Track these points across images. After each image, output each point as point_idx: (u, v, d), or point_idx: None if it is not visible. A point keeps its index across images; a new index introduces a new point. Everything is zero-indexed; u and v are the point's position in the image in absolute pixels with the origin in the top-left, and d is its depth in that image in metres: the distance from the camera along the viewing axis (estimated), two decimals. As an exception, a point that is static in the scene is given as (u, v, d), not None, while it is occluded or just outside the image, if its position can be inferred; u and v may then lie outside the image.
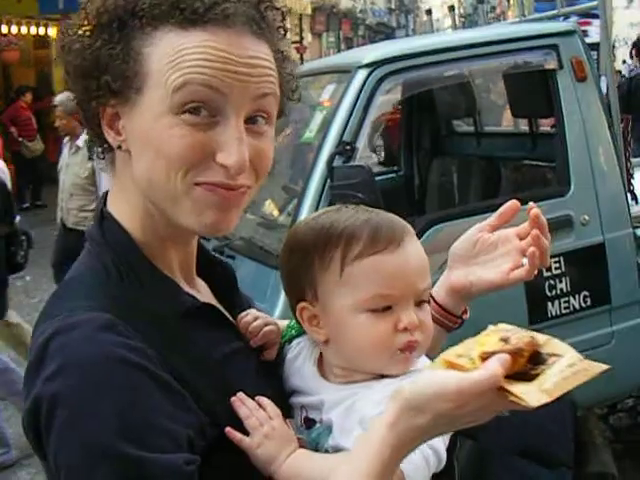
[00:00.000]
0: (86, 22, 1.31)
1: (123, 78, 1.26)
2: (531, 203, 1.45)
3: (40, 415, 1.17)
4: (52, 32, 18.41)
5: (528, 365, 1.08)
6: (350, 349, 1.42)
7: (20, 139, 15.34)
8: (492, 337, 1.13)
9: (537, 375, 1.06)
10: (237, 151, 1.25)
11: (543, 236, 1.46)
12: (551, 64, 4.55)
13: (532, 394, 1.03)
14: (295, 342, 1.55)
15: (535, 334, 1.12)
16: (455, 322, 1.63)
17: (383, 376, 1.40)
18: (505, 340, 1.10)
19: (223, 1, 1.26)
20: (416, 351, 1.39)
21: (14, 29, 17.97)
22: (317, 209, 3.98)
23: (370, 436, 1.14)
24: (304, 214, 4.01)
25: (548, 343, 1.12)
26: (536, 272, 1.50)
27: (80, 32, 1.31)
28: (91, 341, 1.18)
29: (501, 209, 1.55)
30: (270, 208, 4.66)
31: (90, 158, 7.87)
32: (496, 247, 1.54)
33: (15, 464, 6.00)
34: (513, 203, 1.53)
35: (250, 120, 1.28)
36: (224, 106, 1.25)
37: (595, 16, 6.67)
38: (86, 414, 1.13)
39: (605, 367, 1.06)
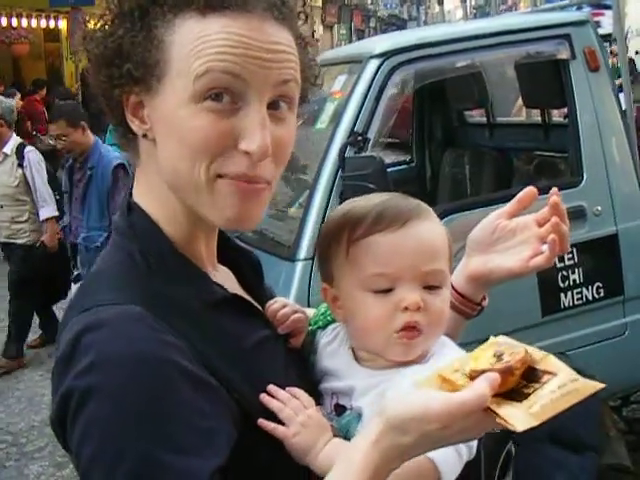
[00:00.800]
0: (108, 12, 1.30)
1: (145, 66, 1.25)
2: (554, 189, 1.44)
3: (68, 408, 1.16)
4: (62, 25, 18.44)
5: (522, 382, 1.06)
6: (355, 328, 1.45)
7: (34, 133, 15.27)
8: (487, 352, 1.11)
9: (528, 394, 1.04)
10: (260, 136, 1.23)
11: (562, 223, 1.45)
12: (564, 54, 4.52)
13: (519, 417, 1.01)
14: (331, 327, 1.56)
15: (532, 350, 1.10)
16: (474, 309, 1.62)
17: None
18: (499, 356, 1.08)
19: None
20: (419, 336, 1.39)
21: (24, 22, 17.97)
22: (329, 200, 3.98)
23: (353, 453, 1.12)
24: (316, 205, 4.01)
25: (543, 360, 1.09)
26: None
27: (102, 21, 1.31)
28: (122, 337, 1.17)
29: (519, 195, 1.54)
30: (281, 199, 4.65)
31: (20, 165, 7.67)
32: (515, 234, 1.52)
33: (27, 457, 6.02)
34: (530, 190, 1.52)
35: (272, 105, 1.27)
36: (246, 92, 1.23)
37: (607, 7, 6.63)
38: (113, 410, 1.12)
39: (600, 386, 1.04)
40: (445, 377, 1.09)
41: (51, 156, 15.84)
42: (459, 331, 1.60)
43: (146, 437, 1.11)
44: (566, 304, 4.33)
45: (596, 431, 1.62)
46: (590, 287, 4.38)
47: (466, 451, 1.31)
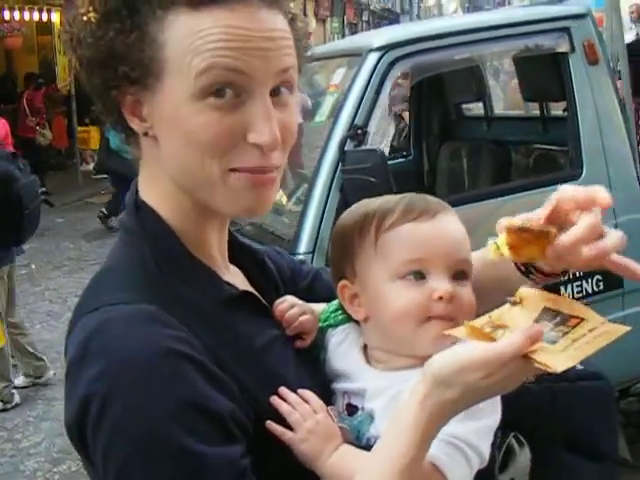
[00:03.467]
0: (91, 9, 1.26)
1: (141, 66, 1.23)
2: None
3: (88, 414, 1.14)
4: (55, 18, 18.34)
5: (550, 325, 1.11)
6: (384, 320, 1.41)
7: (37, 128, 15.17)
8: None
9: (559, 337, 1.09)
10: (268, 129, 1.22)
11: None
12: (563, 47, 4.52)
13: (557, 360, 1.05)
14: (341, 328, 1.53)
15: (556, 296, 1.16)
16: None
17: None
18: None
19: None
20: (450, 327, 1.33)
21: (17, 15, 17.87)
22: (329, 193, 3.98)
23: (401, 415, 1.14)
24: (315, 198, 4.00)
25: (570, 305, 1.15)
26: None
27: (86, 19, 1.27)
28: (136, 336, 1.16)
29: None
30: (280, 193, 4.64)
31: None
32: None
33: (22, 453, 6.01)
34: None
35: (274, 92, 1.25)
36: (248, 85, 1.22)
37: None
38: (139, 411, 1.11)
39: (626, 328, 1.10)
40: (472, 325, 1.14)
41: (41, 151, 15.89)
42: None
43: (175, 434, 1.10)
44: (566, 296, 4.31)
45: (616, 439, 1.60)
46: (590, 280, 4.38)
47: (477, 461, 1.28)
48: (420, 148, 6.52)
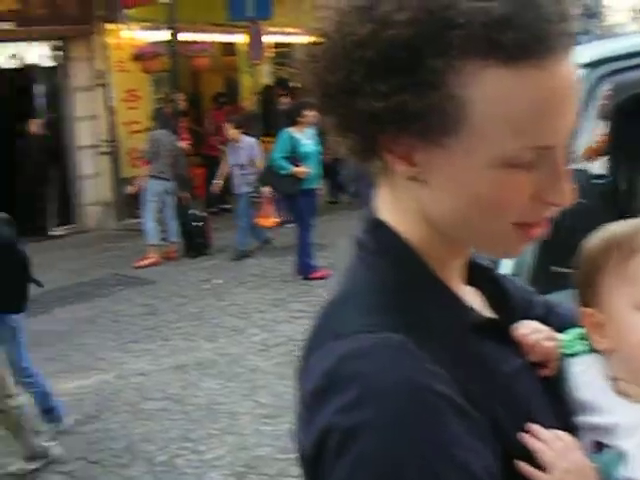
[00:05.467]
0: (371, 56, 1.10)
1: (429, 121, 1.09)
2: None
3: (326, 446, 1.06)
4: (239, 39, 18.85)
5: None
6: (627, 351, 1.32)
7: (221, 146, 15.50)
8: None
9: None
10: (570, 188, 1.13)
11: None
12: None
13: None
14: (583, 357, 1.41)
15: None
16: None
17: None
18: None
19: (565, 26, 1.08)
20: None
21: (204, 37, 18.45)
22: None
23: None
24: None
25: None
26: None
27: (366, 71, 1.10)
28: (390, 368, 1.07)
29: None
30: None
31: None
32: None
33: (207, 465, 6.08)
34: None
35: None
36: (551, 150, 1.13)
37: None
38: (385, 449, 1.03)
39: None
40: None
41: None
42: None
43: (420, 477, 1.01)
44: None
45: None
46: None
47: None
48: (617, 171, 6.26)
